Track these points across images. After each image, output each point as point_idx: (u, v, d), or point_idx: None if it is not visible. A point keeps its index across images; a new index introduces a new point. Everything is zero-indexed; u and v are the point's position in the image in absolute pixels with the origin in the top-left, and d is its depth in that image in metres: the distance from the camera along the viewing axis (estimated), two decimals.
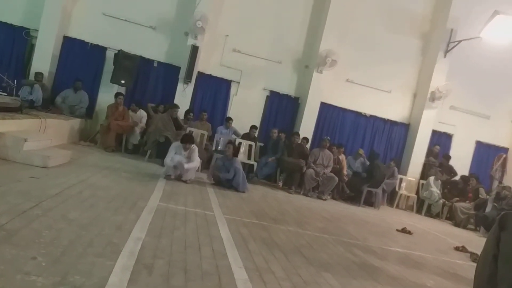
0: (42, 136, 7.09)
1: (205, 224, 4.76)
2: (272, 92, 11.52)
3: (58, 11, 10.10)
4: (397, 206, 11.40)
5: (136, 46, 10.58)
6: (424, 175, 11.74)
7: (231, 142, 8.62)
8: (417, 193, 11.59)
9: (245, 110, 11.14)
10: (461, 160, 12.21)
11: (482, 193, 10.74)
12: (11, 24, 10.26)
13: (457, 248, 6.90)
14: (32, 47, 10.33)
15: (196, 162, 7.81)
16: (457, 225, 10.35)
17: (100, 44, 10.60)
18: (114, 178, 6.42)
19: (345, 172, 10.40)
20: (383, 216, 9.33)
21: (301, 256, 4.31)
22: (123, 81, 10.34)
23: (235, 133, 10.61)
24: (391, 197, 11.50)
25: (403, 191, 11.49)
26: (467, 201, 10.73)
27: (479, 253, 2.56)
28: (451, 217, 10.82)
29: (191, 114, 10.25)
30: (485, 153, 12.85)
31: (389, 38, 11.89)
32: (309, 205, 8.46)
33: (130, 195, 5.42)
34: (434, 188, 10.94)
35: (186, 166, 7.44)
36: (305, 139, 10.65)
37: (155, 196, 5.66)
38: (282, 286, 3.28)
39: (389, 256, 5.34)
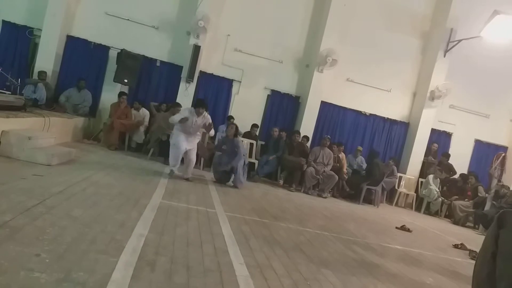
0: (45, 135, 7.13)
1: (207, 221, 4.81)
2: (273, 91, 11.56)
3: (61, 10, 10.14)
4: (397, 204, 11.46)
5: (139, 46, 10.63)
6: (423, 173, 11.78)
7: (233, 123, 8.66)
8: (416, 191, 11.66)
9: (247, 109, 11.18)
10: (460, 159, 12.25)
11: (481, 191, 10.79)
12: (15, 23, 10.33)
13: (456, 246, 6.95)
14: (35, 46, 10.38)
15: (212, 131, 8.10)
16: (456, 223, 10.39)
17: (103, 43, 10.65)
18: (117, 176, 6.47)
19: (345, 170, 10.46)
20: (383, 214, 9.37)
21: (301, 253, 4.36)
22: (126, 80, 10.40)
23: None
24: (391, 195, 11.56)
25: (402, 189, 11.54)
26: (466, 199, 10.76)
27: (478, 250, 2.57)
28: (450, 215, 10.87)
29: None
30: (484, 152, 12.89)
31: (389, 37, 11.92)
32: (310, 203, 8.51)
33: (133, 192, 5.48)
34: (433, 186, 10.99)
35: (210, 132, 8.03)
36: (306, 137, 10.69)
37: (157, 194, 5.71)
38: (283, 282, 3.33)
39: (388, 253, 5.39)
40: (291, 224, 5.76)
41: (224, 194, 7.01)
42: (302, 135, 10.58)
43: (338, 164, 10.34)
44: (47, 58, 10.14)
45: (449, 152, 12.05)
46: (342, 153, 10.71)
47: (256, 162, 10.15)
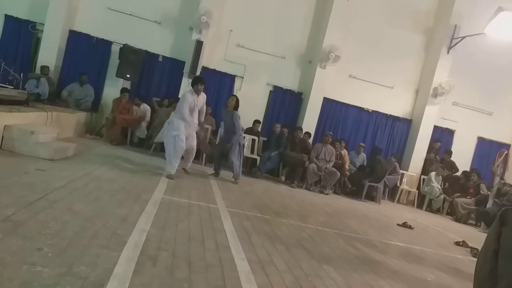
0: (48, 129, 7.14)
1: (209, 217, 4.82)
2: (275, 87, 11.55)
3: (64, 5, 10.15)
4: (398, 201, 11.48)
5: (141, 41, 10.62)
6: (425, 170, 11.77)
7: (234, 95, 8.54)
8: (418, 188, 11.66)
9: (249, 104, 11.12)
10: (463, 156, 12.24)
11: (483, 189, 10.78)
12: (17, 18, 10.34)
13: (457, 243, 6.95)
14: (38, 40, 10.40)
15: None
16: (457, 220, 10.40)
17: (105, 38, 10.66)
18: (119, 171, 6.48)
19: (347, 167, 10.46)
20: (384, 210, 9.38)
21: (303, 249, 4.37)
22: (128, 75, 10.40)
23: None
24: (393, 192, 11.56)
25: (404, 186, 11.55)
26: (468, 197, 10.76)
27: (479, 248, 2.57)
28: (452, 212, 10.88)
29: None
30: (487, 149, 12.86)
31: (392, 34, 11.88)
32: (311, 199, 8.51)
33: (135, 188, 5.48)
34: (435, 183, 10.98)
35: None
36: (308, 134, 10.69)
37: (159, 189, 5.71)
38: (284, 278, 3.33)
39: (390, 250, 5.39)
40: (293, 220, 5.77)
41: (226, 190, 7.02)
42: (304, 131, 10.56)
43: (340, 161, 10.34)
44: (49, 53, 10.15)
45: (452, 150, 12.04)
46: (344, 149, 10.71)
47: (258, 158, 10.16)
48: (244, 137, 10.35)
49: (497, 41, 11.03)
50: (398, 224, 7.55)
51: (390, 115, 12.14)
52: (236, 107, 8.15)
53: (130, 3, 10.75)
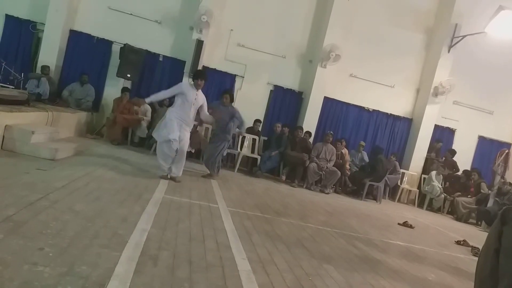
0: (49, 129, 7.15)
1: (210, 216, 4.82)
2: (276, 86, 11.55)
3: (64, 5, 10.15)
4: (399, 200, 11.48)
5: (141, 40, 10.62)
6: (426, 169, 11.78)
7: (228, 92, 8.23)
8: (419, 187, 11.66)
9: (249, 104, 11.14)
10: (463, 155, 12.21)
11: (484, 188, 10.78)
12: (18, 18, 10.33)
13: (458, 242, 6.94)
14: (38, 40, 10.40)
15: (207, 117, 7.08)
16: (458, 219, 10.40)
17: (106, 38, 10.65)
18: (120, 170, 6.48)
19: (347, 166, 10.46)
20: (385, 210, 9.38)
21: (303, 248, 4.37)
22: (129, 75, 10.40)
23: (239, 127, 10.62)
24: (393, 191, 11.56)
25: (405, 185, 11.55)
26: (469, 196, 10.76)
27: (480, 247, 2.56)
28: (453, 212, 10.88)
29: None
30: (488, 148, 12.85)
31: (393, 33, 11.87)
32: (312, 198, 8.52)
33: (136, 187, 5.49)
34: (436, 182, 10.98)
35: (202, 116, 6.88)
36: (308, 133, 10.69)
37: (160, 189, 5.72)
38: (285, 277, 3.34)
39: (390, 249, 5.39)
40: (293, 220, 5.77)
41: (226, 190, 7.02)
42: (304, 130, 10.57)
43: (341, 161, 10.34)
44: (50, 53, 10.16)
45: (455, 149, 12.00)
46: (345, 149, 10.71)
47: (259, 157, 10.16)
48: (244, 136, 10.40)
49: (498, 40, 11.05)
50: (399, 223, 7.55)
51: (390, 114, 12.13)
52: (231, 100, 8.11)
53: (130, 3, 10.75)
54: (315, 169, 9.73)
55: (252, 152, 10.46)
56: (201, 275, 2.99)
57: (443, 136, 12.35)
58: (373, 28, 11.79)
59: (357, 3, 11.26)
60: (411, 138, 12.16)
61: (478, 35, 10.97)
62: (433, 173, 11.11)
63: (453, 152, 11.83)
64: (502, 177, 12.06)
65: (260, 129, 10.93)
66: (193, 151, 9.63)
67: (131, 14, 10.73)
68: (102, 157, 7.36)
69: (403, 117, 12.27)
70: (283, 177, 10.10)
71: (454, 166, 11.72)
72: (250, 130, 10.71)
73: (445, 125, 12.49)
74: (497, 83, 12.45)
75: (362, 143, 11.35)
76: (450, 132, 12.59)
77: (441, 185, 11.04)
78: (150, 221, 4.02)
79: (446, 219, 10.39)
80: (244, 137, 10.38)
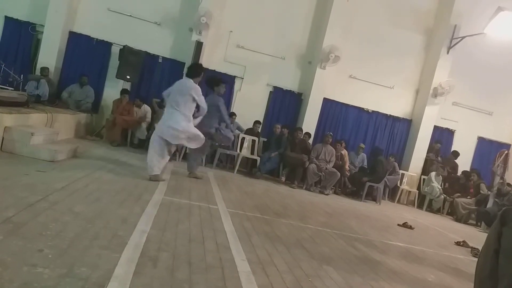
0: (48, 131, 7.15)
1: (209, 217, 4.82)
2: (275, 87, 11.55)
3: (64, 6, 10.15)
4: (399, 201, 11.48)
5: (141, 42, 10.62)
6: (425, 170, 11.77)
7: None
8: (419, 188, 11.66)
9: (249, 105, 11.16)
10: (463, 156, 12.17)
11: (483, 189, 10.79)
12: (18, 19, 10.32)
13: (458, 243, 6.94)
14: (38, 42, 10.38)
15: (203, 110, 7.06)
16: (458, 220, 10.40)
17: (105, 39, 10.65)
18: (120, 172, 6.48)
19: (347, 167, 10.46)
20: (385, 211, 9.38)
21: (303, 249, 4.37)
22: (128, 77, 10.40)
23: (239, 128, 10.63)
24: (393, 192, 11.56)
25: (404, 186, 11.55)
26: (468, 197, 10.76)
27: (479, 248, 2.56)
28: (452, 212, 10.88)
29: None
30: (487, 149, 12.86)
31: (392, 34, 11.88)
32: (312, 199, 8.52)
33: (135, 188, 5.49)
34: (436, 183, 10.99)
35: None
36: (308, 134, 10.69)
37: (159, 190, 5.71)
38: (285, 279, 3.33)
39: (390, 250, 5.39)
40: (293, 221, 5.77)
41: (226, 191, 7.03)
42: (304, 131, 10.56)
43: (340, 162, 10.34)
44: (49, 54, 10.15)
45: (458, 151, 12.00)
46: (345, 150, 10.71)
47: (258, 159, 10.16)
48: (244, 137, 10.40)
49: (497, 41, 11.05)
50: (398, 224, 7.55)
51: (390, 115, 12.14)
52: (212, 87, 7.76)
53: (130, 4, 10.75)
54: (314, 170, 9.73)
55: (252, 153, 10.46)
56: (200, 276, 2.98)
57: (442, 137, 12.35)
58: (372, 29, 11.80)
59: (356, 4, 11.26)
60: (411, 139, 12.15)
61: (477, 36, 10.99)
62: (433, 174, 11.11)
63: (456, 154, 11.83)
64: (502, 178, 12.07)
65: (259, 130, 10.93)
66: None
67: (130, 15, 10.74)
68: (102, 159, 7.36)
69: (403, 118, 12.27)
70: (283, 178, 10.11)
71: (454, 168, 11.72)
72: (249, 132, 10.71)
73: (445, 126, 12.49)
74: (496, 84, 12.46)
75: (362, 145, 11.34)
76: (450, 133, 12.59)
77: (441, 186, 11.05)
78: (150, 222, 4.02)
79: (446, 220, 10.39)
80: (243, 138, 10.39)
